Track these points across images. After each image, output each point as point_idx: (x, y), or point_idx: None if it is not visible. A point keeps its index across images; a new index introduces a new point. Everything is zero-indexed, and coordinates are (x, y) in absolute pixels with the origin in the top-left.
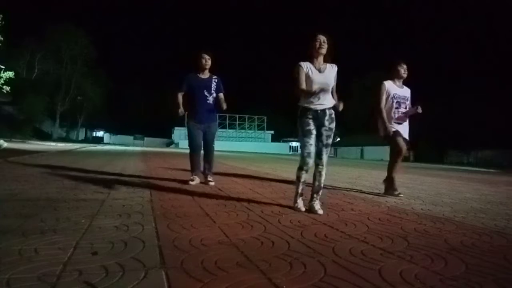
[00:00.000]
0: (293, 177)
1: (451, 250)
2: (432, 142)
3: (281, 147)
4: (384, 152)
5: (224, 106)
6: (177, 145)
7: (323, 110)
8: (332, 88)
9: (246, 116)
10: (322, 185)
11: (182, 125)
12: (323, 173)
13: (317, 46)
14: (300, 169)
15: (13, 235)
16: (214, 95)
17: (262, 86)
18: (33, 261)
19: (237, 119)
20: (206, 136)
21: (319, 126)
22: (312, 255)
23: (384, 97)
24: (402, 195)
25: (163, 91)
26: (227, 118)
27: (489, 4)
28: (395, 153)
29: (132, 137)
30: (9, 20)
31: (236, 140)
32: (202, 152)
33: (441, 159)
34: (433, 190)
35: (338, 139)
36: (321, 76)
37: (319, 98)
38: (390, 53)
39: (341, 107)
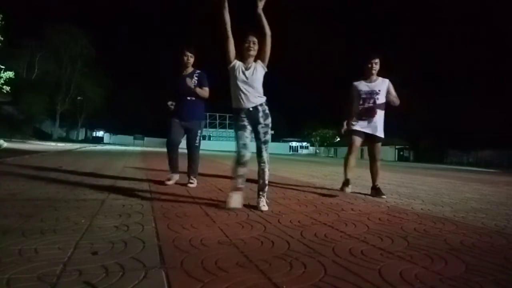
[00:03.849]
0: (294, 177)
1: (451, 250)
2: (432, 142)
3: (281, 147)
4: (384, 152)
5: (203, 94)
6: None
7: (255, 107)
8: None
9: None
10: (266, 182)
11: None
12: (266, 170)
13: (247, 47)
14: (237, 163)
15: (13, 235)
16: (195, 88)
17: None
18: (33, 261)
19: (227, 118)
20: (188, 135)
21: (255, 124)
22: (312, 255)
23: (350, 97)
24: (349, 191)
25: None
26: (227, 118)
27: (490, 5)
28: (347, 152)
29: (132, 137)
30: (9, 20)
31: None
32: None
33: (441, 159)
34: (433, 190)
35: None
36: (245, 76)
37: (248, 96)
38: (390, 53)
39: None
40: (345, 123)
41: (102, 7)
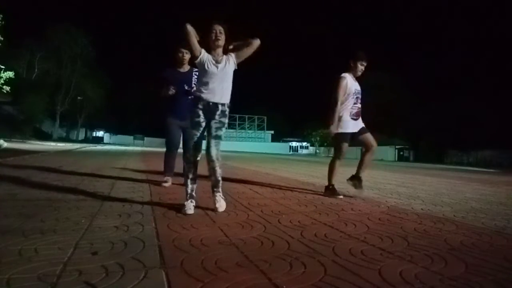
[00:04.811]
0: (293, 177)
1: (451, 250)
2: (432, 142)
3: (281, 147)
4: (384, 152)
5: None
6: None
7: (215, 104)
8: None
9: (246, 116)
10: (219, 178)
11: None
12: (217, 168)
13: (213, 37)
14: (187, 162)
15: (13, 235)
16: (195, 88)
17: (262, 86)
18: (33, 261)
19: (237, 119)
20: (185, 135)
21: (209, 119)
22: (312, 255)
23: (342, 92)
24: (341, 197)
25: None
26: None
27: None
28: (336, 158)
29: (132, 137)
30: (9, 20)
31: (236, 140)
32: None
33: (441, 159)
34: (433, 190)
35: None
36: (217, 68)
37: (213, 91)
38: (390, 53)
39: (231, 47)
40: (335, 124)
41: (102, 7)
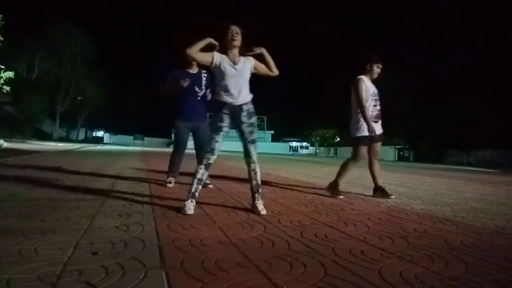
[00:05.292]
0: (293, 177)
1: (451, 250)
2: (432, 142)
3: (281, 147)
4: (384, 152)
5: (209, 96)
6: None
7: (240, 106)
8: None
9: None
10: (259, 182)
11: None
12: (257, 170)
13: (229, 37)
14: (202, 163)
15: (13, 235)
16: (204, 91)
17: (262, 86)
18: (33, 261)
19: None
20: (196, 135)
21: (238, 124)
22: (312, 255)
23: (364, 93)
24: (341, 197)
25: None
26: None
27: (490, 4)
28: (352, 160)
29: (132, 137)
30: (9, 20)
31: (236, 140)
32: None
33: (441, 159)
34: (433, 190)
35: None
36: (235, 69)
37: (234, 93)
38: (390, 53)
39: (258, 50)
40: (371, 127)
41: (102, 7)
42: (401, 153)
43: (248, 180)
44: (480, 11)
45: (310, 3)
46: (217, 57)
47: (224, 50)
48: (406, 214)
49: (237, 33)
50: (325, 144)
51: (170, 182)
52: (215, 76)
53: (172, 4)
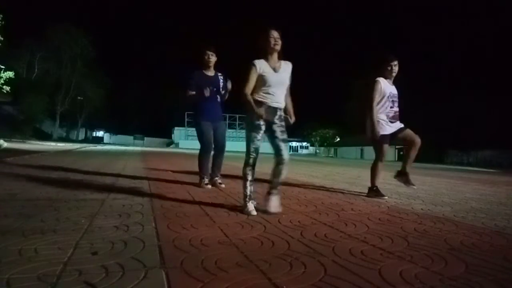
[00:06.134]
0: (293, 177)
1: (451, 250)
2: (432, 142)
3: None
4: None
5: (226, 97)
6: (177, 145)
7: (275, 108)
8: (287, 90)
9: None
10: (280, 181)
11: (181, 125)
12: (285, 170)
13: (272, 42)
14: (247, 165)
15: (13, 235)
16: (222, 92)
17: None
18: (33, 261)
19: (237, 119)
20: (216, 135)
21: (270, 123)
22: (312, 255)
23: (377, 96)
24: (386, 198)
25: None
26: (227, 118)
27: (491, 4)
28: (378, 158)
29: (132, 137)
30: (9, 20)
31: (236, 140)
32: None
33: (441, 159)
34: (433, 190)
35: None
36: (276, 75)
37: (274, 97)
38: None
39: (292, 120)
40: (375, 129)
41: (102, 7)
42: (401, 153)
43: (271, 175)
44: (480, 11)
45: (310, 3)
46: (259, 67)
47: (264, 54)
48: (406, 214)
49: (278, 38)
50: (325, 144)
51: (207, 184)
52: (256, 80)
53: (172, 4)
